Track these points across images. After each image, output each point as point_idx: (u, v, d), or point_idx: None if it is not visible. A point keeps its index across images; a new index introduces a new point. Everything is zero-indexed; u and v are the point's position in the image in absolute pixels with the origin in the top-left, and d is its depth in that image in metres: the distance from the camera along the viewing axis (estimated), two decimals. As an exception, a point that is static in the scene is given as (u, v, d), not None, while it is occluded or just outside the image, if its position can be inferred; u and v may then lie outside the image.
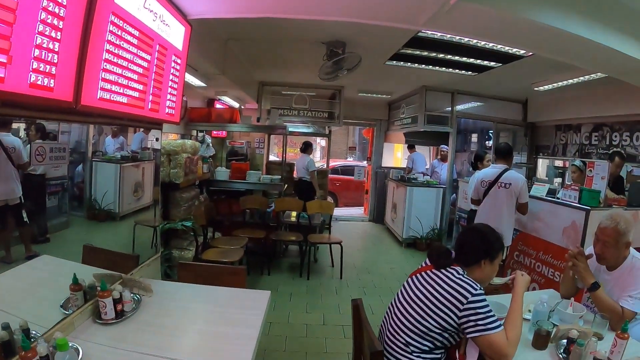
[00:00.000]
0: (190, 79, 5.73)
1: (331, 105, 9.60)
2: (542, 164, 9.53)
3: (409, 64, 6.68)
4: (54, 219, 2.53)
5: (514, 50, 5.42)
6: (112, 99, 2.39)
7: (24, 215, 2.21)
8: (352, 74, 6.11)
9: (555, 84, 6.96)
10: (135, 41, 2.59)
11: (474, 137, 12.62)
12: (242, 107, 9.85)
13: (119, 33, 2.40)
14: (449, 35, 5.03)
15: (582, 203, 4.77)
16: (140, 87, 2.74)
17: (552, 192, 5.41)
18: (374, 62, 6.65)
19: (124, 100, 2.54)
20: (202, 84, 6.14)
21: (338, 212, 11.49)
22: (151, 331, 2.35)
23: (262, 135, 10.21)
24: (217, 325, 2.51)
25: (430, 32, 4.92)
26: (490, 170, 5.42)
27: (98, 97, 2.25)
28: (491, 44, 5.25)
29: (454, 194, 9.11)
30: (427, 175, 9.95)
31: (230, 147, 9.83)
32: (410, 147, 11.46)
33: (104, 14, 2.25)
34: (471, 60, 6.23)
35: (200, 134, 7.68)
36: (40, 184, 2.36)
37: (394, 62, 6.58)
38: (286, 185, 7.46)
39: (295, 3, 3.51)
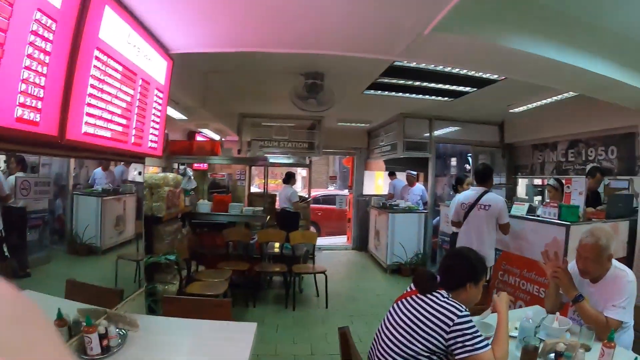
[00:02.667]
0: (172, 112, 5.76)
1: (311, 135, 9.67)
2: (522, 184, 9.66)
3: (387, 92, 6.81)
4: (34, 253, 2.48)
5: (488, 75, 5.58)
6: (96, 133, 2.41)
7: (5, 249, 2.15)
8: (335, 106, 6.18)
9: (529, 105, 7.13)
10: (119, 76, 2.63)
11: (453, 161, 12.80)
12: (223, 139, 9.89)
13: (103, 68, 2.43)
14: (423, 65, 5.18)
15: (562, 219, 4.87)
16: (124, 121, 2.76)
17: (532, 210, 5.52)
18: (353, 92, 6.78)
19: (108, 134, 2.55)
20: (184, 117, 6.18)
21: (321, 241, 11.44)
22: (139, 366, 2.31)
23: (243, 167, 10.21)
24: (204, 359, 2.49)
25: (406, 63, 5.08)
26: (469, 193, 5.49)
27: (83, 132, 2.27)
28: (465, 71, 5.40)
29: (437, 217, 9.19)
30: (408, 201, 10.00)
31: (212, 180, 9.84)
32: (391, 174, 11.55)
33: (89, 49, 2.29)
34: (447, 86, 6.37)
35: (181, 167, 7.68)
36: (21, 217, 2.32)
37: (372, 91, 6.71)
38: (268, 217, 7.45)
39: (274, 37, 3.59)
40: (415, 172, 10.05)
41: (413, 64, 5.18)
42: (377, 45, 3.72)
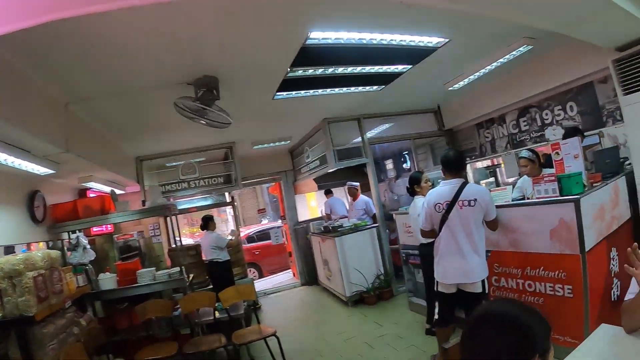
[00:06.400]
0: (28, 165, 4.15)
1: (226, 167, 8.26)
2: (470, 169, 8.81)
3: (303, 92, 5.59)
4: None
5: (427, 42, 4.58)
6: None
7: None
8: (241, 125, 4.93)
9: (471, 77, 6.35)
10: None
11: (389, 164, 11.74)
12: (122, 191, 8.19)
13: None
14: (346, 37, 4.00)
15: (565, 194, 3.94)
16: None
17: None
18: (261, 100, 5.53)
19: None
20: (49, 170, 4.53)
21: (265, 284, 10.11)
22: None
23: (156, 220, 8.62)
24: None
25: (322, 38, 3.89)
26: (443, 189, 4.23)
27: None
28: (400, 39, 4.34)
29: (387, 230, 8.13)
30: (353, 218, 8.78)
31: (122, 243, 8.09)
32: (328, 193, 10.40)
33: None
34: (376, 68, 5.24)
35: (72, 236, 5.99)
36: None
37: (285, 93, 5.45)
38: (192, 276, 5.93)
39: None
40: (356, 183, 8.91)
41: (332, 40, 3.96)
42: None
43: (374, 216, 8.49)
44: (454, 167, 4.22)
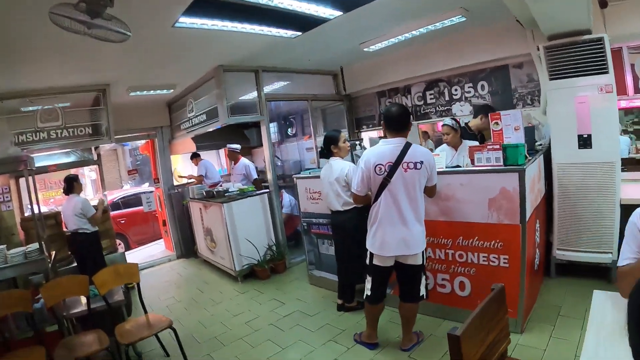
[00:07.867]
0: None
1: (94, 115, 6.71)
2: (367, 138, 8.35)
3: (210, 22, 4.52)
4: None
5: None
6: None
7: None
8: (124, 59, 4.34)
9: (391, 40, 6.14)
10: None
11: (272, 127, 10.97)
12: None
13: None
14: None
15: (511, 163, 3.84)
16: None
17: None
18: (158, 27, 4.38)
19: None
20: None
21: (134, 257, 8.85)
22: None
23: (6, 181, 6.92)
24: None
25: None
26: (384, 148, 3.64)
27: None
28: None
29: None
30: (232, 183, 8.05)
31: None
32: (195, 156, 9.59)
33: None
34: (305, 8, 4.47)
35: None
36: None
37: (189, 19, 4.31)
38: (54, 252, 4.64)
39: None
40: (237, 146, 8.23)
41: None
42: None
43: (255, 181, 7.94)
44: (395, 124, 3.68)
